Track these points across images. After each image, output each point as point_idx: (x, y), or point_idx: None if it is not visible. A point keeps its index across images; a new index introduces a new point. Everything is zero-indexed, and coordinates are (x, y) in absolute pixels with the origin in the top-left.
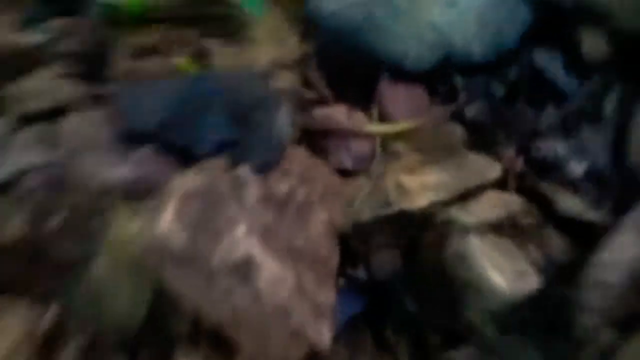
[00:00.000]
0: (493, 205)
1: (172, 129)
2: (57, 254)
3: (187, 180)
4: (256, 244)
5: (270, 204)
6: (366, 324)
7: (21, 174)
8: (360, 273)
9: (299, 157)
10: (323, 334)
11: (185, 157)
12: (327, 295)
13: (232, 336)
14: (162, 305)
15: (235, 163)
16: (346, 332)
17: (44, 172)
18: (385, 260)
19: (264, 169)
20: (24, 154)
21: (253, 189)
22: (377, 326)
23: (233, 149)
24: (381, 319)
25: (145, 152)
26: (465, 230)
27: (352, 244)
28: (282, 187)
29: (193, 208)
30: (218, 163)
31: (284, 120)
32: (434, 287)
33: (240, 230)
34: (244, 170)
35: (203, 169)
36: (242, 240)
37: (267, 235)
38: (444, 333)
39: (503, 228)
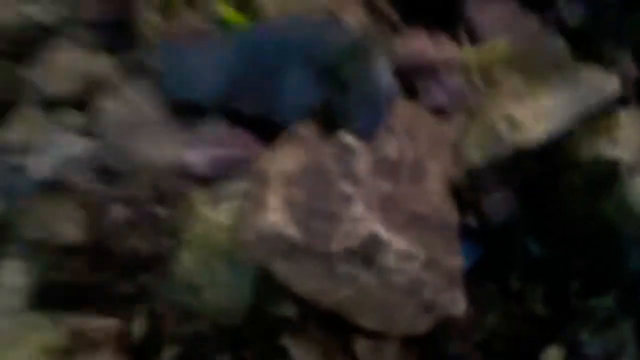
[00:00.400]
0: (635, 133)
1: (242, 96)
2: (125, 252)
3: (286, 158)
4: (378, 220)
5: (383, 172)
6: (488, 274)
7: (65, 168)
8: (472, 220)
9: (399, 108)
10: (457, 302)
11: (264, 129)
12: (456, 259)
13: (352, 318)
14: (267, 291)
15: (332, 129)
16: (469, 285)
17: (91, 163)
18: (501, 203)
19: (369, 131)
20: (63, 145)
21: (362, 158)
22: (500, 276)
23: (326, 113)
24: (504, 267)
25: (215, 127)
26: (620, 168)
27: (463, 190)
28: (391, 148)
29: (300, 191)
30: (312, 131)
31: (383, 70)
32: (578, 231)
33: (358, 208)
34: (348, 137)
35: (297, 142)
36: (361, 219)
37: (387, 208)
38: (586, 278)
39: None
